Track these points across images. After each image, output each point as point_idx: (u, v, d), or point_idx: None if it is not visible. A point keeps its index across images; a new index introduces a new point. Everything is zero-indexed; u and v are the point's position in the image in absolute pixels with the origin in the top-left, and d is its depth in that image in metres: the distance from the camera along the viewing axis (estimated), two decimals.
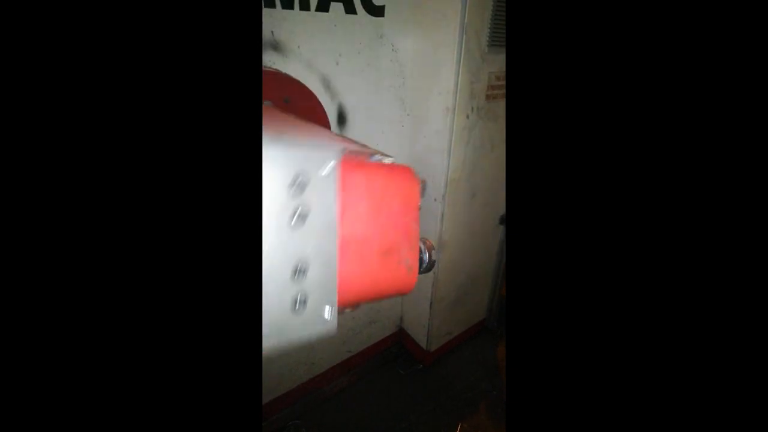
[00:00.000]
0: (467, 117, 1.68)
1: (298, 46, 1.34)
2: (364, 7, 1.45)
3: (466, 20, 1.46)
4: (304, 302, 0.44)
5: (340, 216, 0.46)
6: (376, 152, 0.53)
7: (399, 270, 0.55)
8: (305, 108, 1.41)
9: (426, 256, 0.63)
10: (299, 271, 0.44)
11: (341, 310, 0.49)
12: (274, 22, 1.26)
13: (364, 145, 0.54)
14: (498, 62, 1.68)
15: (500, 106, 1.80)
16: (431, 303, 2.07)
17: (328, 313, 0.46)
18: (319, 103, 1.47)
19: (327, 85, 1.49)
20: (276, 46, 1.30)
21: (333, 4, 1.36)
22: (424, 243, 0.63)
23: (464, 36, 1.49)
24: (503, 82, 1.74)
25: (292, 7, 1.27)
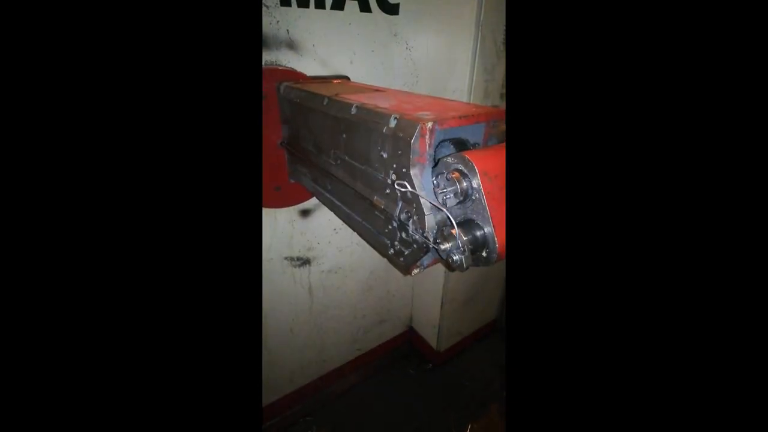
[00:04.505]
0: None
1: (313, 45, 1.34)
2: (378, 6, 1.44)
3: (482, 18, 1.44)
4: None
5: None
6: None
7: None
8: None
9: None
10: None
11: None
12: (289, 20, 1.26)
13: None
14: None
15: None
16: (442, 303, 2.07)
17: None
18: None
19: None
20: (291, 45, 1.30)
21: (348, 3, 1.36)
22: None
23: (479, 34, 1.47)
24: None
25: (307, 6, 1.27)
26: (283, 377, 1.88)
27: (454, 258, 0.62)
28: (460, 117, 0.68)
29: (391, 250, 0.80)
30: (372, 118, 0.76)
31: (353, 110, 0.83)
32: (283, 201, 1.48)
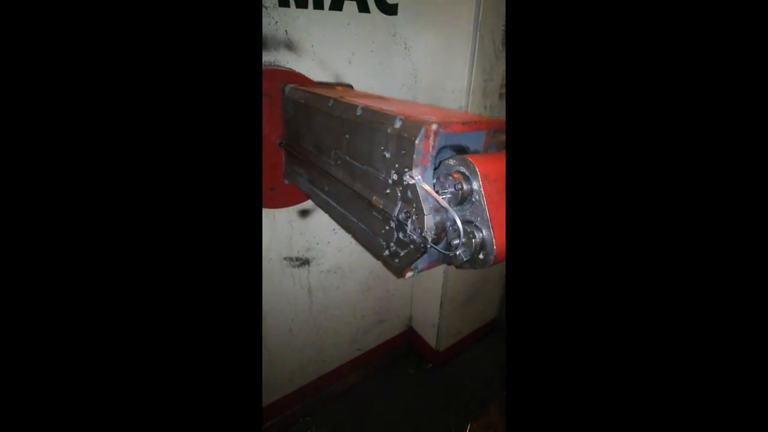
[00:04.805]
0: None
1: (312, 45, 1.34)
2: (377, 6, 1.44)
3: (480, 18, 1.45)
4: None
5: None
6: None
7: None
8: None
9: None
10: None
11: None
12: (288, 21, 1.26)
13: None
14: None
15: None
16: (441, 302, 2.07)
17: None
18: None
19: (340, 84, 1.49)
20: (290, 46, 1.30)
21: (346, 3, 1.36)
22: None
23: (478, 34, 1.47)
24: None
25: (306, 6, 1.27)
26: (283, 377, 1.88)
27: (458, 253, 0.63)
28: (463, 123, 0.69)
29: (387, 252, 0.81)
30: (377, 119, 0.77)
31: (359, 111, 0.84)
32: (280, 201, 1.49)
